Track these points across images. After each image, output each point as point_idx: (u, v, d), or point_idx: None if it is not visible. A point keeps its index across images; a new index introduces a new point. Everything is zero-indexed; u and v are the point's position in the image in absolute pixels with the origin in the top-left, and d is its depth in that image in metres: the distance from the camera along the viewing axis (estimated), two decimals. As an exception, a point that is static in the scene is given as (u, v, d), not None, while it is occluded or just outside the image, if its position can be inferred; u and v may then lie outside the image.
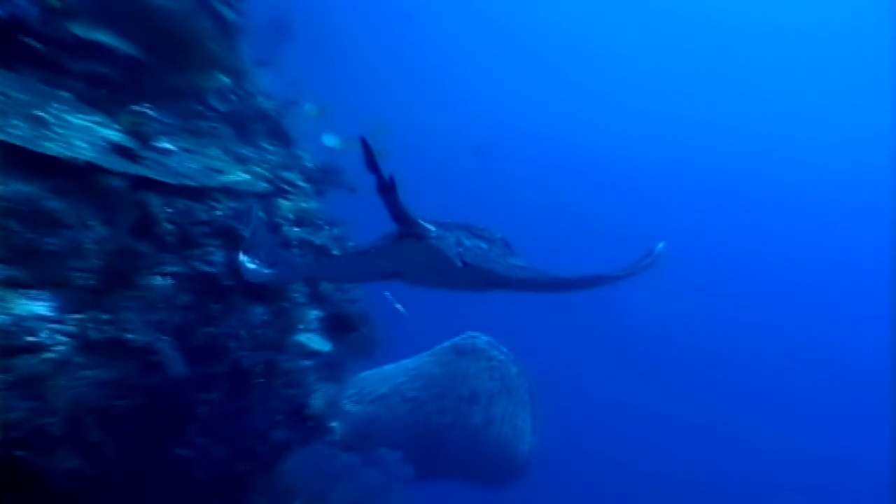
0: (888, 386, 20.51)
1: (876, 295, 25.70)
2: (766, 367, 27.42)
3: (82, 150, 3.88)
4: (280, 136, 6.55)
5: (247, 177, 5.02)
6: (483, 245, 3.73)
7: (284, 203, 6.19)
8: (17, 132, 3.63)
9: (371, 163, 2.93)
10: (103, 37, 4.61)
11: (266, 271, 3.79)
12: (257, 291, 5.16)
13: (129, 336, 4.06)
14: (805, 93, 34.26)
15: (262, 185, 5.19)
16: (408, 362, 8.46)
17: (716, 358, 27.14)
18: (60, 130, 3.90)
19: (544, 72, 36.98)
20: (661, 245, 3.69)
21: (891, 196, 25.81)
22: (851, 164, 33.53)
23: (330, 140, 7.12)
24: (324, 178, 7.08)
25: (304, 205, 6.43)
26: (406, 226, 3.27)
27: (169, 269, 4.44)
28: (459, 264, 3.40)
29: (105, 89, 4.73)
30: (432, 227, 3.39)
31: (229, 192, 4.90)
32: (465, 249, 3.54)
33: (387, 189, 3.02)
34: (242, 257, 3.77)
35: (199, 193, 4.74)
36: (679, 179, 34.55)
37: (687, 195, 33.85)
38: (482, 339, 8.57)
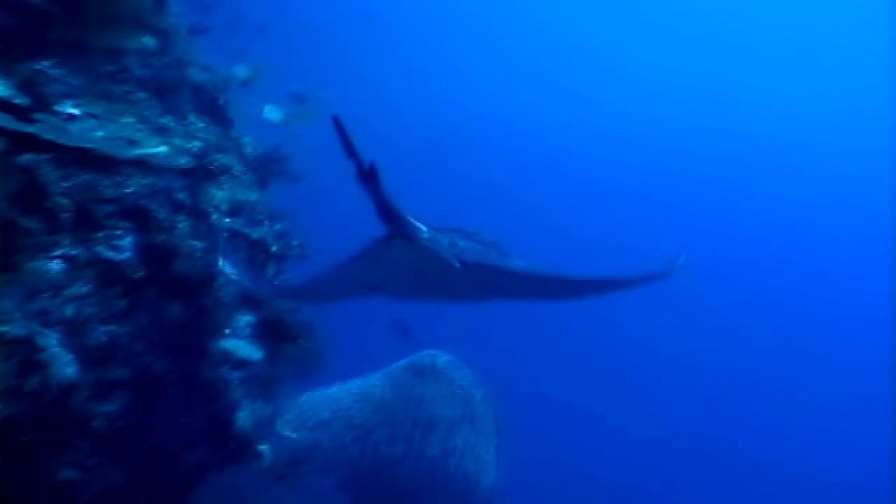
0: (888, 394, 20.76)
1: (875, 301, 26.06)
2: (759, 381, 27.43)
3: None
4: (216, 114, 6.22)
5: (165, 149, 4.68)
6: (478, 247, 3.64)
7: (218, 193, 5.88)
8: None
9: (347, 146, 2.77)
10: (-3, -23, 4.27)
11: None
12: (175, 286, 4.81)
13: (3, 328, 3.69)
14: (799, 96, 35.05)
15: (184, 160, 4.85)
16: (356, 383, 8.12)
17: (705, 369, 27.10)
18: (-72, 76, 3.54)
19: (515, 61, 37.11)
20: (682, 258, 3.96)
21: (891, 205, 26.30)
22: (852, 171, 34.22)
23: (272, 112, 6.72)
24: (266, 168, 6.77)
25: (240, 196, 6.12)
26: (394, 225, 3.08)
27: (62, 251, 4.09)
28: (457, 265, 3.25)
29: (-2, 41, 4.38)
30: (423, 227, 3.25)
31: (143, 166, 4.56)
32: (461, 251, 3.40)
33: (368, 178, 2.83)
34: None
35: (105, 166, 4.39)
36: (666, 184, 34.83)
37: (674, 201, 34.12)
38: (443, 359, 8.29)
